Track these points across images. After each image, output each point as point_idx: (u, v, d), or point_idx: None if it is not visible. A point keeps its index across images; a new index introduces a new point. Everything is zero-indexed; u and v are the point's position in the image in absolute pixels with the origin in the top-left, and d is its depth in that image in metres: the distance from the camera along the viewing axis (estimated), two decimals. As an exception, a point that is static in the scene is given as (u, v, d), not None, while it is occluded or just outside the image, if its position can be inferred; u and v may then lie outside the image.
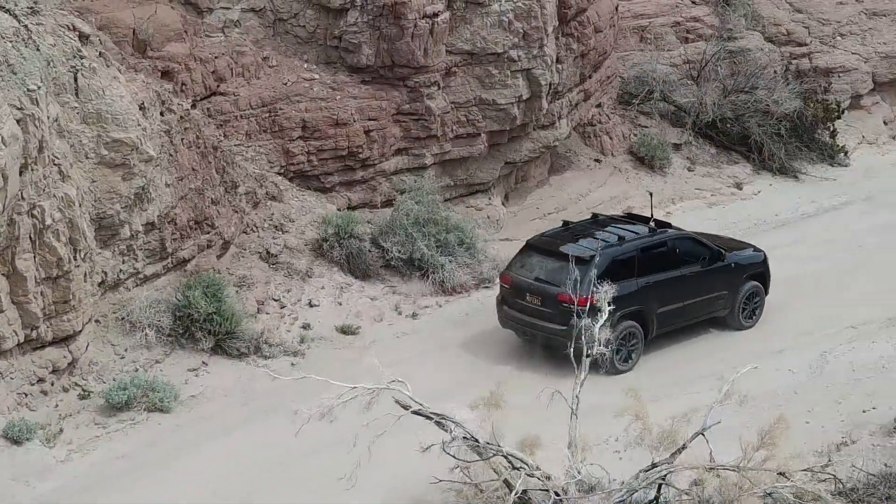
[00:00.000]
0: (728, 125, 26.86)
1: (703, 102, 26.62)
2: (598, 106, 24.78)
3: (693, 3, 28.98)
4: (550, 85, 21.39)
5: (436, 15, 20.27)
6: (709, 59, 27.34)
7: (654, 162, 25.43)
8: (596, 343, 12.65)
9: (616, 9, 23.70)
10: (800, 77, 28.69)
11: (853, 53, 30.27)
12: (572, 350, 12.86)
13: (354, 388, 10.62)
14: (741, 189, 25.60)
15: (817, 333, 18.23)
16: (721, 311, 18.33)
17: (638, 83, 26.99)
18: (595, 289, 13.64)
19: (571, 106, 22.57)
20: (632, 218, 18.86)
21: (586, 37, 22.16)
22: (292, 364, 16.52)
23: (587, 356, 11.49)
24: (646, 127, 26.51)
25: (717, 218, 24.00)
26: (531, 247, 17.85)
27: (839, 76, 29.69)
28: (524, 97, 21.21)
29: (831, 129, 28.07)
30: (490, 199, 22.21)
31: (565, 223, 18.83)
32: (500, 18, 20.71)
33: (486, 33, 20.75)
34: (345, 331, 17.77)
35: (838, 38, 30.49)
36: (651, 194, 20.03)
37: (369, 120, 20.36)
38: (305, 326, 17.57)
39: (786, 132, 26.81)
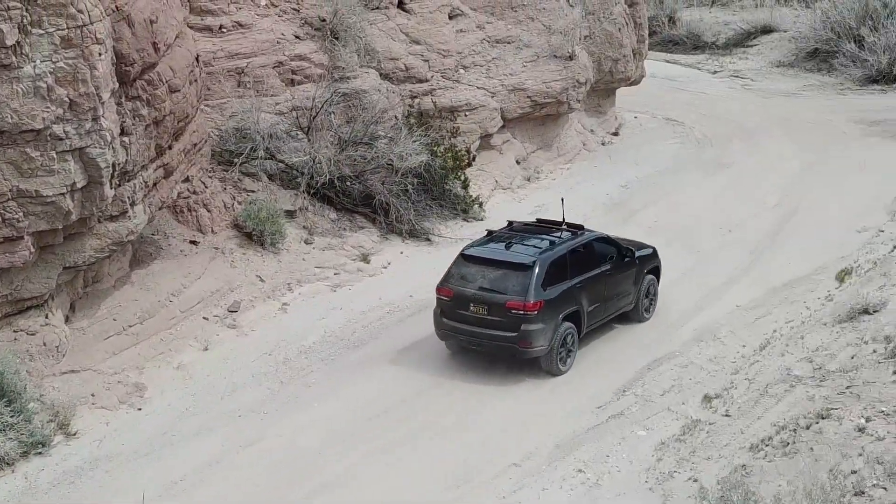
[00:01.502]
0: (348, 184, 22.90)
1: (316, 159, 22.48)
2: (187, 181, 19.95)
3: (297, 38, 24.71)
4: (114, 166, 16.36)
5: (-60, 84, 14.78)
6: (320, 105, 23.24)
7: (265, 237, 21.00)
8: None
9: (197, 59, 18.91)
10: (423, 120, 25.22)
11: (479, 88, 27.28)
12: None
13: None
14: (368, 262, 21.66)
15: (476, 478, 14.32)
16: (629, 306, 19.00)
17: (239, 137, 22.48)
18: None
19: (148, 187, 17.62)
20: (544, 223, 19.25)
21: (159, 99, 17.28)
22: None
23: None
24: (252, 191, 22.05)
25: (342, 305, 19.86)
26: (468, 258, 17.56)
27: (465, 114, 26.63)
28: (79, 184, 16.04)
29: (463, 178, 24.83)
30: (47, 316, 16.86)
31: (489, 232, 18.72)
32: (37, 84, 15.43)
33: (19, 104, 15.40)
34: None
35: (461, 71, 27.38)
36: (563, 200, 19.70)
37: None
38: None
39: (413, 189, 23.25)
